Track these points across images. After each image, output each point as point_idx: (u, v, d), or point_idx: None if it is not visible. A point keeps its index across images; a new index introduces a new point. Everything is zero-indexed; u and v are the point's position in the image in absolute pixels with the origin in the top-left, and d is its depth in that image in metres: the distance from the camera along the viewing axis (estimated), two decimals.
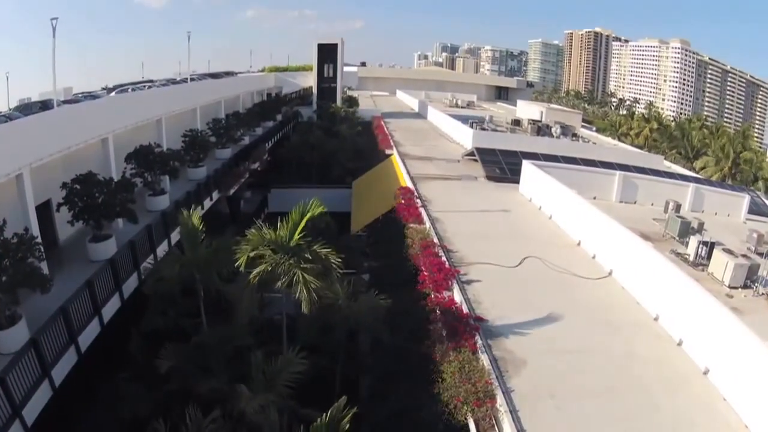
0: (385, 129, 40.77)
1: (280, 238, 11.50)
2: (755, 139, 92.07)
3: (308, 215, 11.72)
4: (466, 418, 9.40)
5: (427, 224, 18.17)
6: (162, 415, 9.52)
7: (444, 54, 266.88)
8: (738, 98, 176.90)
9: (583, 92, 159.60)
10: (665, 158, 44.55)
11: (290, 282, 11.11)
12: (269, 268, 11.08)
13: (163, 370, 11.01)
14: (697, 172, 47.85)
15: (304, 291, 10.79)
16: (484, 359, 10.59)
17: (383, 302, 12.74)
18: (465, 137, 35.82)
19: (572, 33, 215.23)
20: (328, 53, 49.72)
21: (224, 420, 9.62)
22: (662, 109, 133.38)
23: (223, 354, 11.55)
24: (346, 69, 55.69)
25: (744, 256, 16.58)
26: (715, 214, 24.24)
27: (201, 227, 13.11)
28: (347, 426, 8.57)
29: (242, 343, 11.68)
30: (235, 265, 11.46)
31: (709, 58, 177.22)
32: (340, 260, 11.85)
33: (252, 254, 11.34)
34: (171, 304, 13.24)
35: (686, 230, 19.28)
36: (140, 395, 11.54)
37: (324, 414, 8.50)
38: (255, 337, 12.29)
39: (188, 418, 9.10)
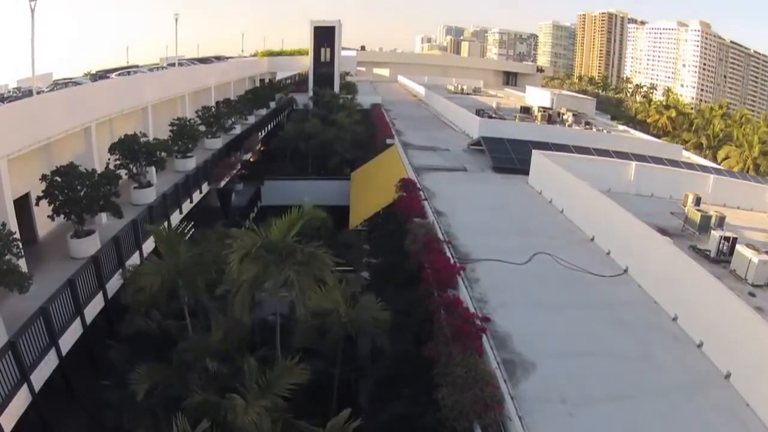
0: (386, 117, 40.65)
1: (272, 236, 11.41)
2: None
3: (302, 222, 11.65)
4: (471, 425, 9.35)
5: (431, 218, 18.10)
6: (150, 424, 9.44)
7: (448, 37, 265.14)
8: (762, 84, 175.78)
9: (596, 77, 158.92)
10: (684, 148, 44.42)
11: (283, 282, 11.03)
12: (260, 270, 10.99)
13: (140, 395, 10.62)
14: (719, 163, 47.73)
15: (298, 294, 10.71)
16: (491, 362, 10.54)
17: (384, 313, 12.56)
18: (471, 126, 35.71)
19: (585, 15, 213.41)
20: (325, 36, 49.38)
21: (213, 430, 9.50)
22: (681, 95, 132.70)
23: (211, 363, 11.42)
24: (344, 53, 55.45)
25: None
26: (738, 207, 24.11)
27: (181, 230, 13.03)
28: None
29: (234, 354, 11.56)
30: (223, 267, 11.35)
31: (731, 42, 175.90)
32: (336, 261, 11.75)
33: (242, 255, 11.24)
34: (154, 305, 13.16)
35: (707, 224, 19.15)
36: (124, 402, 11.46)
37: (322, 429, 8.43)
38: (246, 339, 12.22)
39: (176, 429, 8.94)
